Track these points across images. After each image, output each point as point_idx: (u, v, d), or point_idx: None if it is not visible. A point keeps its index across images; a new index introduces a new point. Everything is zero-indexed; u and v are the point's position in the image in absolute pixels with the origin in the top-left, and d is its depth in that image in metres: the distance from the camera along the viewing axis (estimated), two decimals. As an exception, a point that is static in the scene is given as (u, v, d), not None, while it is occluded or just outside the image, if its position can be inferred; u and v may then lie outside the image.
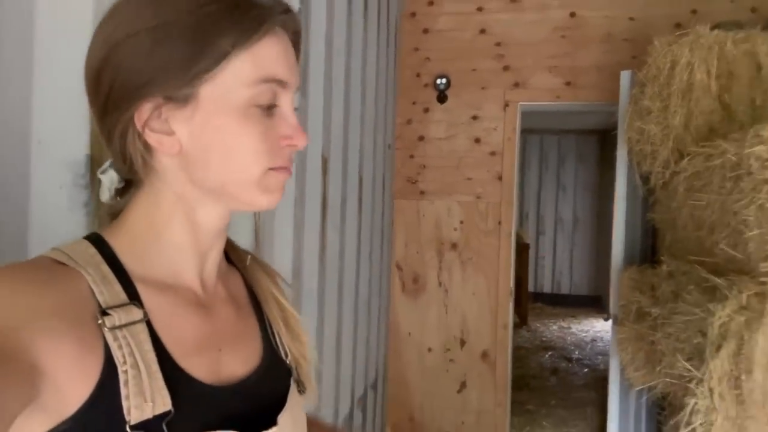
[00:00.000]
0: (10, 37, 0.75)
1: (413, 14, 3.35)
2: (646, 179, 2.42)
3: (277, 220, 1.56)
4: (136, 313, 0.52)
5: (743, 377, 1.57)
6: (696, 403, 1.63)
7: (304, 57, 1.72)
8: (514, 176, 3.25)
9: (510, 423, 3.37)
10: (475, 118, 3.29)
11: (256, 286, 0.71)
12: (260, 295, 0.70)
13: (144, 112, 0.53)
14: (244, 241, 0.69)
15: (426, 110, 3.34)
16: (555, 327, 6.21)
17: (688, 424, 1.65)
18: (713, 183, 1.82)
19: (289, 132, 0.58)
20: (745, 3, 3.03)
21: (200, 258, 0.61)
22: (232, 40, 0.53)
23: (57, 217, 0.80)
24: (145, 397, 0.49)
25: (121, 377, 0.49)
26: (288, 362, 0.69)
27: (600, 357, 5.07)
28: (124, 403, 0.48)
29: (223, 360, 0.60)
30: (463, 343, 3.32)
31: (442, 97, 3.29)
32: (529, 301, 6.48)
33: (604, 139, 6.97)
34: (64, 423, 0.46)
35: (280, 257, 1.57)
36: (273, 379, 0.65)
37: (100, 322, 0.49)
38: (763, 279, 1.59)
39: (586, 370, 4.80)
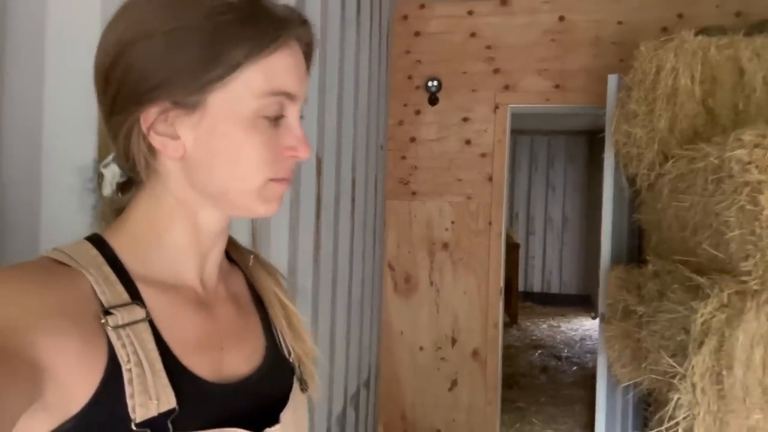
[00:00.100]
0: (22, 49, 0.79)
1: (405, 17, 3.39)
2: (632, 181, 2.48)
3: (273, 220, 1.60)
4: (139, 313, 0.52)
5: (724, 373, 1.62)
6: (679, 398, 1.68)
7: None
8: (504, 177, 3.30)
9: (500, 420, 3.42)
10: (465, 120, 3.34)
11: (259, 286, 0.71)
12: (263, 294, 0.71)
13: (151, 114, 0.53)
14: (241, 240, 0.72)
15: (417, 112, 3.38)
16: (545, 326, 6.28)
17: (672, 418, 1.70)
18: (696, 185, 1.88)
19: (294, 143, 0.59)
20: (730, 7, 3.09)
21: (201, 258, 0.61)
22: (245, 51, 0.53)
23: (67, 219, 0.83)
24: (149, 395, 0.50)
25: (126, 376, 0.49)
26: (291, 360, 0.69)
27: (589, 355, 5.14)
28: (129, 402, 0.49)
29: (226, 358, 0.60)
30: (454, 341, 3.36)
31: (433, 100, 3.34)
32: (519, 301, 6.55)
33: (593, 140, 7.05)
34: (68, 422, 0.46)
35: (276, 257, 1.61)
36: (276, 377, 0.66)
37: (103, 321, 0.50)
38: (743, 278, 1.64)
39: (575, 368, 4.87)
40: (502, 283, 3.35)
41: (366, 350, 2.92)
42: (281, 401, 0.63)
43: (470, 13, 3.33)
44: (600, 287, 2.74)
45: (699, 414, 1.66)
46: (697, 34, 2.28)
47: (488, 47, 3.31)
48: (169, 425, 0.50)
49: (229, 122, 0.55)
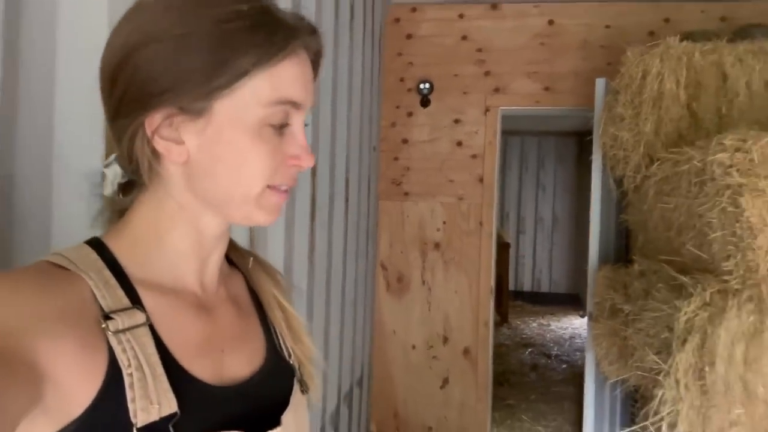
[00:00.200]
0: (34, 59, 0.82)
1: (397, 20, 3.43)
2: (619, 183, 2.54)
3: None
4: (139, 317, 0.52)
5: (707, 369, 1.68)
6: (663, 394, 1.74)
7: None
8: (494, 178, 3.35)
9: (491, 417, 3.47)
10: (457, 121, 3.39)
11: (259, 289, 0.71)
12: (262, 297, 0.71)
13: (156, 119, 0.53)
14: (239, 241, 0.75)
15: (410, 114, 3.42)
16: (535, 324, 6.34)
17: (657, 413, 1.75)
18: (681, 187, 1.94)
19: (298, 152, 0.59)
20: (714, 12, 3.16)
21: (201, 262, 0.61)
22: (253, 60, 0.53)
23: (76, 225, 0.86)
24: (150, 399, 0.50)
25: (127, 380, 0.49)
26: (291, 362, 0.69)
27: (578, 353, 5.21)
28: (130, 406, 0.49)
29: (226, 361, 0.60)
30: (445, 340, 3.41)
31: (425, 102, 3.38)
32: (509, 300, 6.60)
33: (583, 140, 7.12)
34: (68, 426, 0.46)
35: (272, 257, 1.64)
36: (276, 380, 0.66)
37: (103, 326, 0.49)
38: (725, 277, 1.70)
39: (564, 366, 4.94)
40: (492, 283, 3.40)
41: (359, 349, 2.96)
42: (282, 403, 0.63)
43: (461, 16, 3.38)
44: (588, 286, 2.80)
45: (682, 409, 1.71)
46: (682, 39, 2.34)
47: (479, 50, 3.36)
48: (171, 429, 0.50)
49: (234, 129, 0.55)
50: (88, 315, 0.49)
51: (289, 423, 0.61)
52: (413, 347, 3.44)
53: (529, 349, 5.38)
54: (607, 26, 3.24)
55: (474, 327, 3.38)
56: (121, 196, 0.60)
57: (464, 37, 3.38)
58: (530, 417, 3.84)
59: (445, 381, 3.41)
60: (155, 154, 0.55)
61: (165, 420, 0.50)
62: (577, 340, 5.67)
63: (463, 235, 3.38)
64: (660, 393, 1.76)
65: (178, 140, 0.55)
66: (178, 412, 0.51)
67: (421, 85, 3.38)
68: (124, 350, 0.50)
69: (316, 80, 0.63)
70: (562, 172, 7.57)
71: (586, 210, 2.87)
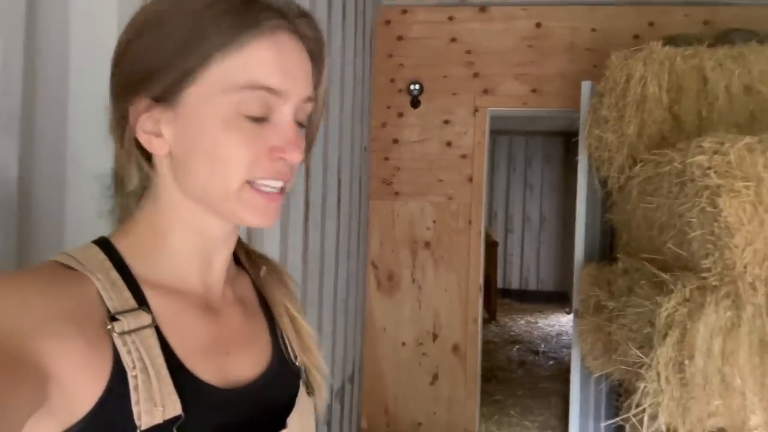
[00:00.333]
0: (48, 69, 0.86)
1: (388, 22, 3.48)
2: (604, 183, 2.61)
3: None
4: (145, 318, 0.52)
5: (686, 362, 1.74)
6: (645, 387, 1.80)
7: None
8: (483, 178, 3.42)
9: (479, 413, 3.53)
10: (446, 122, 3.44)
11: (269, 297, 0.70)
12: (273, 307, 0.69)
13: (138, 110, 0.53)
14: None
15: (400, 114, 3.47)
16: (522, 322, 6.42)
17: (639, 405, 1.82)
18: (662, 188, 2.01)
19: (281, 144, 0.55)
20: (698, 16, 3.24)
21: (205, 263, 0.60)
22: (218, 43, 0.51)
23: (88, 224, 0.91)
24: (155, 401, 0.49)
25: (131, 382, 0.48)
26: (297, 364, 0.68)
27: (565, 350, 5.29)
28: (135, 408, 0.48)
29: (232, 363, 0.59)
30: (435, 337, 3.47)
31: (415, 102, 3.43)
32: (497, 297, 6.67)
33: (570, 141, 7.22)
34: (72, 427, 0.46)
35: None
36: (282, 382, 0.65)
37: (109, 327, 0.49)
38: (703, 275, 1.77)
39: (551, 362, 5.02)
40: (481, 281, 3.46)
41: (350, 346, 3.01)
42: (288, 406, 0.62)
43: (451, 18, 3.43)
44: (574, 284, 2.87)
45: (663, 401, 1.77)
46: (665, 43, 2.42)
47: (468, 52, 3.42)
48: None
49: (204, 119, 0.53)
50: (95, 316, 0.49)
51: (295, 426, 0.61)
52: (403, 344, 3.49)
53: (517, 346, 5.45)
54: (593, 29, 3.31)
55: (463, 324, 3.45)
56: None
57: (453, 39, 3.43)
58: (518, 412, 3.91)
59: (435, 377, 3.47)
60: (141, 148, 0.55)
61: (169, 422, 0.50)
62: (563, 337, 5.76)
63: (453, 233, 3.44)
64: (642, 386, 1.82)
65: (157, 132, 0.54)
66: (183, 414, 0.51)
67: (412, 86, 3.43)
68: (129, 352, 0.49)
69: (323, 70, 0.60)
70: (549, 171, 7.66)
71: (573, 209, 2.94)
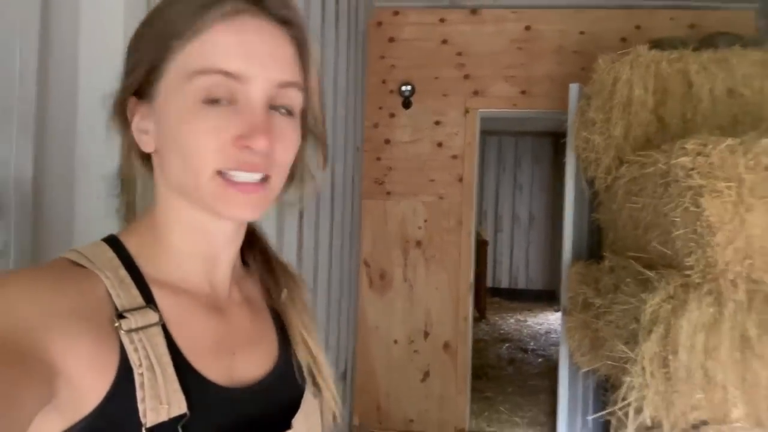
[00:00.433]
0: (59, 74, 0.90)
1: (380, 23, 3.52)
2: (591, 183, 2.67)
3: (264, 221, 1.72)
4: (152, 317, 0.52)
5: (670, 357, 1.79)
6: (631, 381, 1.85)
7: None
8: (474, 178, 3.47)
9: (470, 409, 3.59)
10: (437, 123, 3.49)
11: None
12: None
13: (132, 110, 0.55)
14: None
15: (392, 115, 3.51)
16: (512, 320, 6.48)
17: (624, 399, 1.87)
18: (647, 188, 2.06)
19: (244, 130, 0.52)
20: (683, 20, 3.32)
21: (209, 263, 0.60)
22: (176, 31, 0.52)
23: (96, 223, 0.94)
24: (160, 399, 0.49)
25: (137, 380, 0.49)
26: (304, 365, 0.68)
27: (553, 347, 5.35)
28: (140, 406, 0.48)
29: (237, 363, 0.59)
30: (426, 335, 3.51)
31: (407, 103, 3.47)
32: (487, 296, 6.73)
33: (558, 141, 7.30)
34: (79, 423, 0.46)
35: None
36: (288, 383, 0.64)
37: (116, 325, 0.49)
38: (687, 272, 1.82)
39: (540, 359, 5.08)
40: (471, 279, 3.51)
41: (343, 344, 3.04)
42: (293, 406, 0.62)
43: (442, 20, 3.48)
44: (562, 282, 2.93)
45: (648, 395, 1.82)
46: (651, 46, 2.47)
47: (459, 54, 3.47)
48: (180, 430, 0.50)
49: (170, 111, 0.53)
50: (103, 313, 0.50)
51: (300, 426, 0.60)
52: (395, 342, 3.53)
53: (507, 344, 5.51)
54: (582, 32, 3.38)
55: (454, 322, 3.49)
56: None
57: (445, 41, 3.48)
58: (507, 408, 3.96)
59: (426, 374, 3.51)
60: (135, 145, 0.57)
61: (174, 420, 0.50)
62: (552, 335, 5.83)
63: (444, 233, 3.49)
64: (628, 380, 1.87)
65: (145, 130, 0.55)
66: (188, 412, 0.51)
67: (403, 87, 3.47)
68: (135, 349, 0.50)
69: (305, 55, 0.57)
70: (539, 172, 7.73)
71: (561, 209, 3.00)
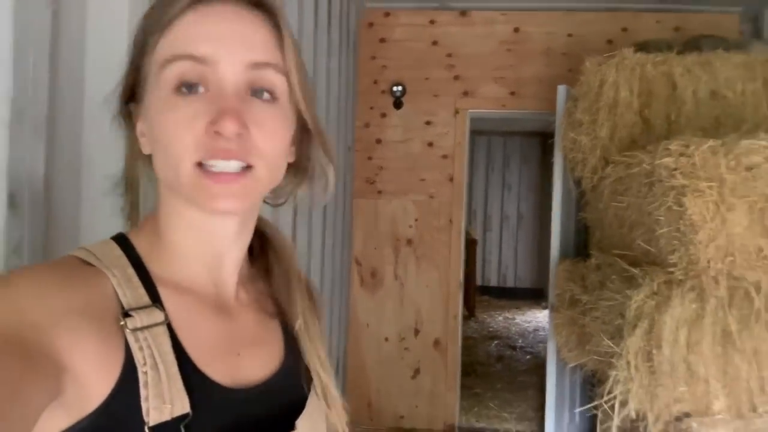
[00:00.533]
0: (68, 76, 0.93)
1: (371, 24, 3.55)
2: (578, 183, 2.73)
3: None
4: (158, 316, 0.52)
5: (654, 352, 1.83)
6: (616, 375, 1.90)
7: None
8: (464, 178, 3.52)
9: (459, 405, 3.63)
10: (428, 123, 3.53)
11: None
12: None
13: (134, 114, 0.57)
14: None
15: (383, 115, 3.55)
16: (501, 318, 6.54)
17: (610, 392, 1.92)
18: (632, 188, 2.12)
19: (214, 116, 0.50)
20: (669, 23, 3.38)
21: (214, 264, 0.60)
22: (150, 30, 0.53)
23: (101, 221, 0.97)
24: (164, 398, 0.49)
25: (141, 378, 0.49)
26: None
27: (541, 345, 5.40)
28: (143, 404, 0.48)
29: (242, 364, 0.59)
30: (417, 332, 3.55)
31: (398, 103, 3.51)
32: (476, 295, 6.77)
33: (546, 142, 7.36)
34: (83, 420, 0.46)
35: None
36: (292, 384, 0.64)
37: (122, 323, 0.49)
38: (670, 269, 1.87)
39: (528, 357, 5.15)
40: (461, 277, 3.56)
41: (334, 342, 3.07)
42: (298, 408, 0.61)
43: (432, 22, 3.52)
44: (550, 279, 2.99)
45: (633, 388, 1.86)
46: (636, 49, 2.53)
47: (449, 55, 3.51)
48: (182, 430, 0.50)
49: (153, 107, 0.53)
50: (109, 311, 0.50)
51: (305, 427, 0.60)
52: (386, 339, 3.57)
53: (495, 342, 5.57)
54: (569, 34, 3.43)
55: (444, 319, 3.54)
56: None
57: (435, 42, 3.52)
58: (496, 404, 4.02)
59: (416, 371, 3.55)
60: (138, 147, 0.58)
61: (177, 420, 0.50)
62: (540, 333, 5.89)
63: (434, 231, 3.54)
64: (613, 374, 1.92)
65: (142, 132, 0.56)
66: (190, 412, 0.51)
67: (394, 88, 3.50)
68: (140, 348, 0.49)
69: (282, 38, 0.55)
70: (527, 171, 7.80)
71: (550, 208, 3.05)
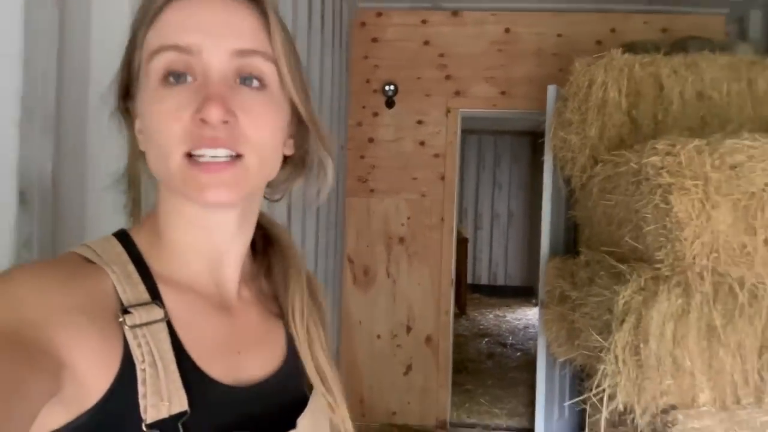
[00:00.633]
0: (73, 76, 0.95)
1: (363, 24, 3.58)
2: (568, 181, 2.78)
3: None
4: (157, 313, 0.52)
5: (641, 346, 1.87)
6: (605, 369, 1.94)
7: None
8: (455, 176, 3.55)
9: (451, 402, 3.67)
10: (420, 122, 3.57)
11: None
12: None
13: (133, 112, 0.56)
14: None
15: (375, 114, 3.58)
16: (491, 316, 6.60)
17: (599, 386, 1.96)
18: (620, 186, 2.17)
19: (199, 104, 0.50)
20: (656, 24, 3.44)
21: (213, 261, 0.59)
22: (140, 22, 0.53)
23: (105, 218, 0.99)
24: (161, 396, 0.49)
25: (139, 375, 0.48)
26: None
27: (531, 342, 5.46)
28: (141, 402, 0.48)
29: (242, 362, 0.59)
30: (408, 329, 3.59)
31: (390, 103, 3.54)
32: (467, 292, 6.82)
33: (536, 141, 7.42)
34: (81, 416, 0.46)
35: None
36: (294, 384, 0.63)
37: (120, 320, 0.49)
38: (657, 266, 1.92)
39: (518, 353, 5.20)
40: (453, 275, 3.60)
41: (327, 338, 3.09)
42: (299, 406, 0.60)
43: (424, 22, 3.55)
44: (540, 276, 3.03)
45: (620, 381, 1.91)
46: (624, 50, 2.58)
47: (441, 55, 3.55)
48: (180, 428, 0.49)
49: (144, 101, 0.53)
50: (108, 308, 0.49)
51: (306, 425, 0.59)
52: (378, 336, 3.60)
53: (486, 339, 5.62)
54: (559, 35, 3.48)
55: (436, 316, 3.58)
56: None
57: (427, 42, 3.55)
58: (487, 401, 4.06)
59: (409, 368, 3.59)
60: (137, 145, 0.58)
61: (175, 418, 0.49)
62: (530, 330, 5.95)
63: (426, 230, 3.57)
64: (602, 368, 1.96)
65: (139, 129, 0.56)
66: (189, 410, 0.50)
67: (386, 87, 3.53)
68: (139, 345, 0.49)
69: (270, 27, 0.54)
70: (517, 170, 7.86)
71: (540, 207, 3.10)
